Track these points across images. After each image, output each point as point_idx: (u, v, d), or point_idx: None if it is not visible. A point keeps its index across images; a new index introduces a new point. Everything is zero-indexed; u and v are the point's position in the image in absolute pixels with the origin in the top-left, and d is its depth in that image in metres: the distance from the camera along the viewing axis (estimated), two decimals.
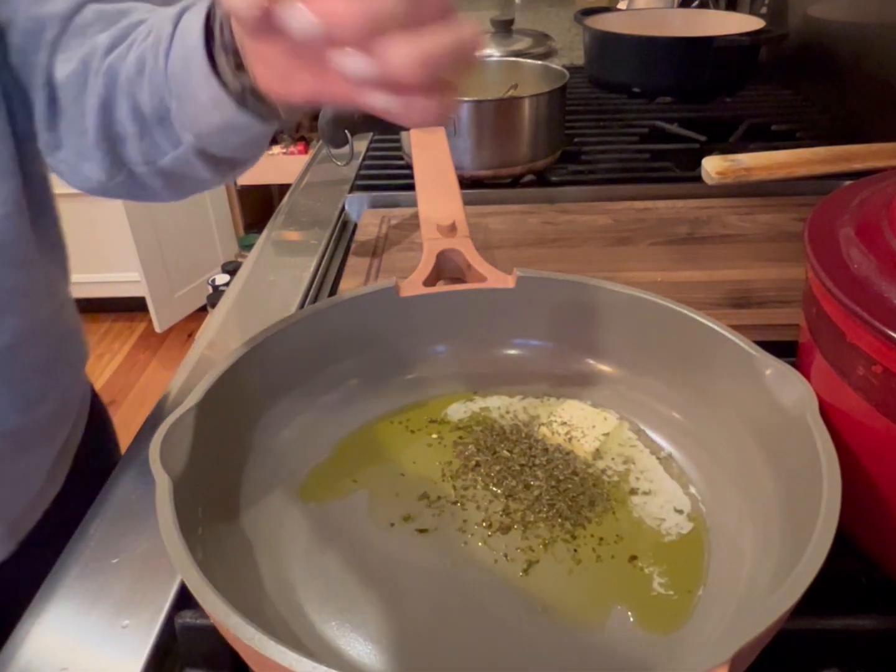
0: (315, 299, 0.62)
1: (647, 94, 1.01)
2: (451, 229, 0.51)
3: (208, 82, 0.36)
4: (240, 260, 2.18)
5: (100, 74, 0.40)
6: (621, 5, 1.43)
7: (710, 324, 0.41)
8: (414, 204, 0.55)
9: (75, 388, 0.55)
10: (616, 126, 0.93)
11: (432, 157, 0.60)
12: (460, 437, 0.44)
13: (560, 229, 0.69)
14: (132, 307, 2.29)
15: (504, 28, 1.30)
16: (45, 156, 0.44)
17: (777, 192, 0.72)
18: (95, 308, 2.34)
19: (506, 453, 0.42)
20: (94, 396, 0.61)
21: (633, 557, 0.37)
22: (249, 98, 0.36)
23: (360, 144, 0.91)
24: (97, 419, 0.61)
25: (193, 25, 0.36)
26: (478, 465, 0.42)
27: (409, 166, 0.63)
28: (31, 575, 0.39)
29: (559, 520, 0.38)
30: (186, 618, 0.35)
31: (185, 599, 0.36)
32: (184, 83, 0.37)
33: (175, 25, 0.38)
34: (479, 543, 0.38)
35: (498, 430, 0.44)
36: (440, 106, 0.27)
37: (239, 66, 0.35)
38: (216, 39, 0.36)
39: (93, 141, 0.41)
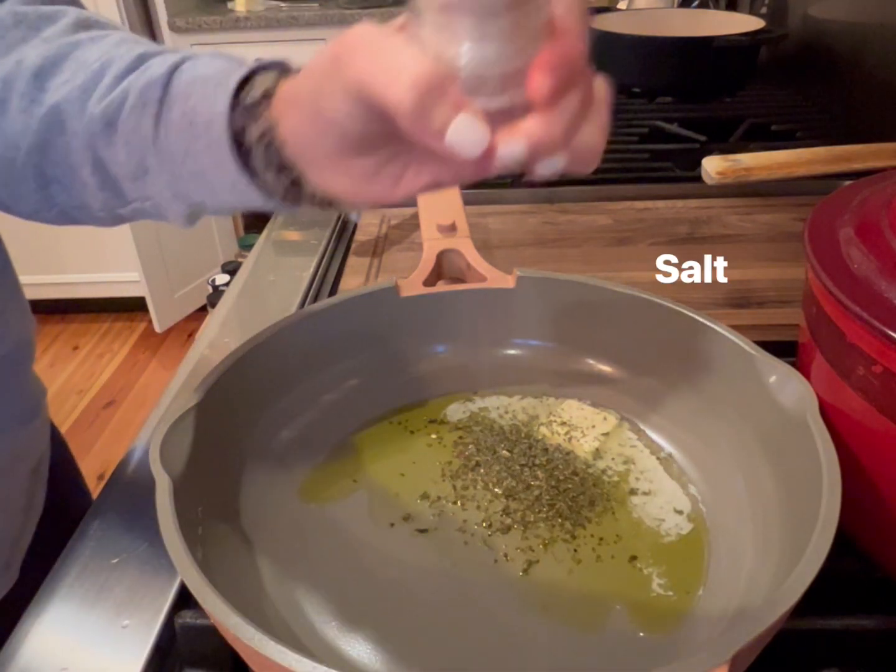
0: (315, 299, 0.62)
1: (646, 94, 1.01)
2: (451, 229, 0.51)
3: (234, 178, 0.32)
4: (240, 260, 2.18)
5: (34, 107, 0.35)
6: (621, 5, 1.43)
7: (711, 324, 0.41)
8: (414, 204, 0.55)
9: (46, 409, 0.54)
10: (616, 126, 0.93)
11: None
12: (460, 437, 0.44)
13: (560, 229, 0.68)
14: (132, 307, 2.29)
15: None
16: None
17: (777, 192, 0.71)
18: (95, 308, 2.35)
19: (506, 453, 0.42)
20: (55, 430, 0.59)
21: (633, 558, 0.37)
22: (306, 199, 0.33)
23: None
24: (60, 449, 0.59)
25: (212, 119, 0.31)
26: (478, 465, 0.42)
27: None
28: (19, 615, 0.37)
29: (559, 520, 0.38)
30: (186, 618, 0.35)
31: (185, 599, 0.36)
32: (184, 162, 0.33)
33: (165, 89, 0.33)
34: (480, 543, 0.38)
35: (497, 430, 0.44)
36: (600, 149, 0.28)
37: (296, 180, 0.32)
38: (255, 155, 0.31)
39: (20, 175, 0.36)
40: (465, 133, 0.24)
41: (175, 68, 0.34)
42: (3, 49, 0.36)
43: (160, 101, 0.33)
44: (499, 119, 0.25)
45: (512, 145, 0.25)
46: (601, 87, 0.27)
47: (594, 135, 0.27)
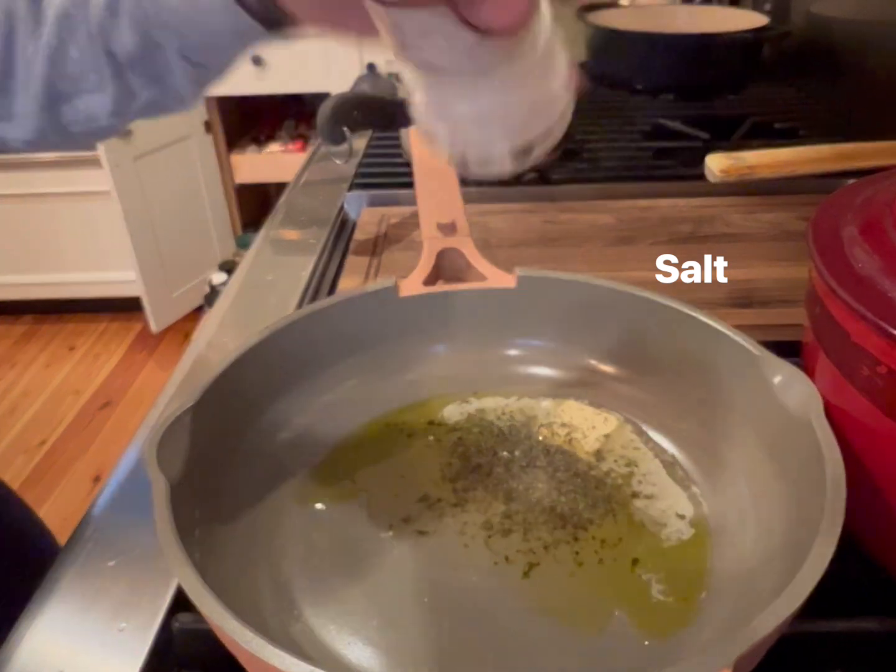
0: (314, 299, 0.62)
1: (649, 92, 1.01)
2: (451, 228, 0.50)
3: (235, 17, 0.32)
4: (237, 259, 2.18)
5: (41, 25, 0.35)
6: (623, 2, 1.43)
7: (714, 323, 0.40)
8: (414, 202, 0.55)
9: None
10: (618, 123, 0.93)
11: (432, 155, 0.59)
12: (460, 438, 0.43)
13: (561, 228, 0.68)
14: (129, 307, 2.29)
15: None
16: None
17: (780, 190, 0.71)
18: (92, 308, 2.34)
19: (506, 454, 0.42)
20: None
21: (635, 561, 0.36)
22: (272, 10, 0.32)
23: (359, 142, 0.91)
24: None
25: None
26: (478, 466, 0.41)
27: (409, 164, 0.63)
28: None
29: (560, 522, 0.38)
30: (183, 621, 0.35)
31: (181, 602, 0.36)
32: (191, 18, 0.33)
33: None
34: (480, 546, 0.37)
35: (497, 431, 0.44)
36: None
37: None
38: None
39: (34, 100, 0.36)
40: None
41: None
42: None
43: None
44: None
45: None
46: None
47: None
